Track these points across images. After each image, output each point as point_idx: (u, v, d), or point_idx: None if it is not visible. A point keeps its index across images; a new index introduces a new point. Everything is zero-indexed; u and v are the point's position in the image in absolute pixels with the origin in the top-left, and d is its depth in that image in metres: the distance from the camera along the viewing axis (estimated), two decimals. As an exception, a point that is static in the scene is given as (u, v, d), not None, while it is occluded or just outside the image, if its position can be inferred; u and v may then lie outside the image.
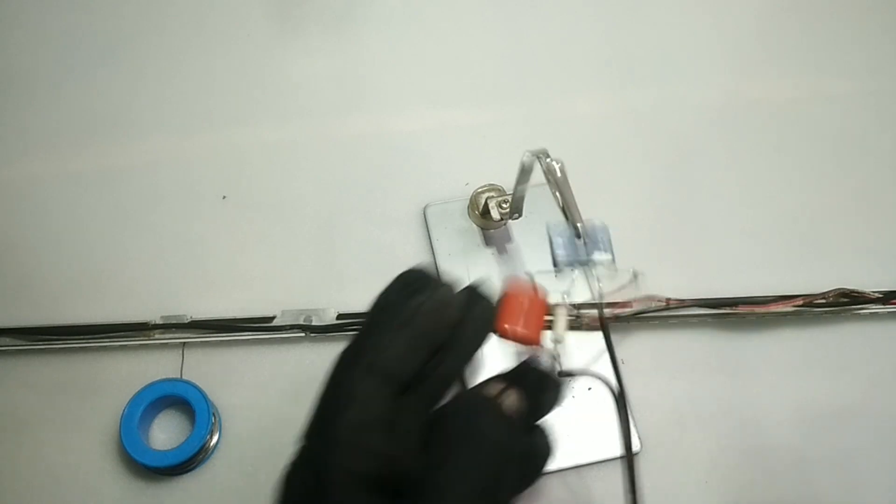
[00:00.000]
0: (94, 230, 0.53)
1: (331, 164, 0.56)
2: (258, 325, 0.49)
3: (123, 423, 0.44)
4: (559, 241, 0.37)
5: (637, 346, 0.50)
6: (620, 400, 0.36)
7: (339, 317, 0.49)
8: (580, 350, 0.49)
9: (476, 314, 0.34)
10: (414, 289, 0.34)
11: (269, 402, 0.48)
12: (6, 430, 0.47)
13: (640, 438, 0.47)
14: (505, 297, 0.36)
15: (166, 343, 0.49)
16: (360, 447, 0.30)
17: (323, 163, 0.56)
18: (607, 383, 0.37)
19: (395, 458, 0.31)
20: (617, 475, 0.35)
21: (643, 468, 0.47)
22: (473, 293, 0.35)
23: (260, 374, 0.49)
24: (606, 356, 0.38)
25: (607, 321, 0.38)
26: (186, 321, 0.48)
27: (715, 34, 0.62)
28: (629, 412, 0.36)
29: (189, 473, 0.46)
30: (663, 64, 0.61)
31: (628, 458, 0.35)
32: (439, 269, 0.51)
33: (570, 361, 0.49)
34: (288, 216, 0.54)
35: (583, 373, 0.38)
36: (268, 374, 0.49)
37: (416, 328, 0.32)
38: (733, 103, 0.59)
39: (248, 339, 0.49)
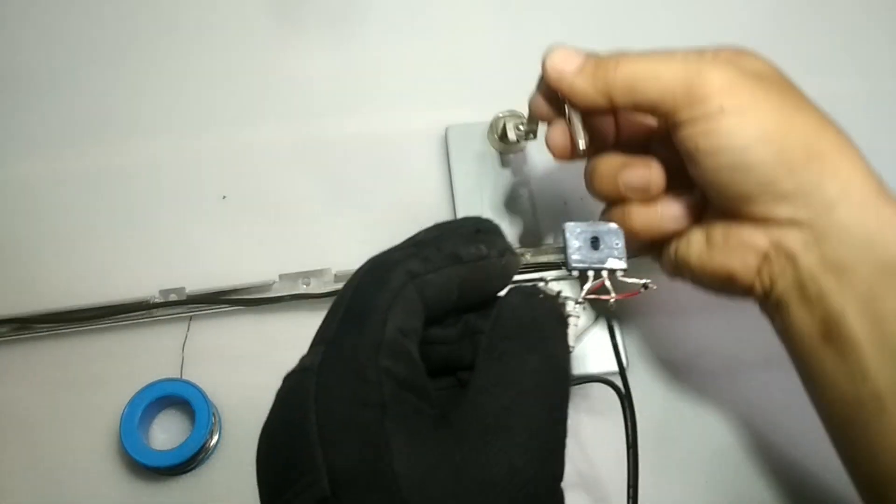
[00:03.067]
0: (93, 230, 0.53)
1: (331, 164, 0.55)
2: (258, 298, 0.49)
3: (123, 423, 0.44)
4: (575, 245, 0.37)
5: (638, 346, 0.50)
6: (626, 400, 0.36)
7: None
8: (586, 348, 0.49)
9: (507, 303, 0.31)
10: (479, 236, 0.32)
11: (269, 402, 0.48)
12: (5, 429, 0.47)
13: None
14: None
15: (167, 343, 0.49)
16: (403, 351, 0.28)
17: (323, 163, 0.55)
18: (613, 385, 0.37)
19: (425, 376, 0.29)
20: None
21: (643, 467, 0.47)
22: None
23: (261, 374, 0.48)
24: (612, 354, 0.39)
25: (614, 323, 0.39)
26: (185, 296, 0.49)
27: (713, 34, 0.62)
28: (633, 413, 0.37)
29: (189, 473, 0.46)
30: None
31: (632, 456, 0.35)
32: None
33: (579, 361, 0.49)
34: (288, 216, 0.54)
35: (590, 379, 0.39)
36: (269, 375, 0.48)
37: (466, 273, 0.30)
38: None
39: (249, 339, 0.49)
